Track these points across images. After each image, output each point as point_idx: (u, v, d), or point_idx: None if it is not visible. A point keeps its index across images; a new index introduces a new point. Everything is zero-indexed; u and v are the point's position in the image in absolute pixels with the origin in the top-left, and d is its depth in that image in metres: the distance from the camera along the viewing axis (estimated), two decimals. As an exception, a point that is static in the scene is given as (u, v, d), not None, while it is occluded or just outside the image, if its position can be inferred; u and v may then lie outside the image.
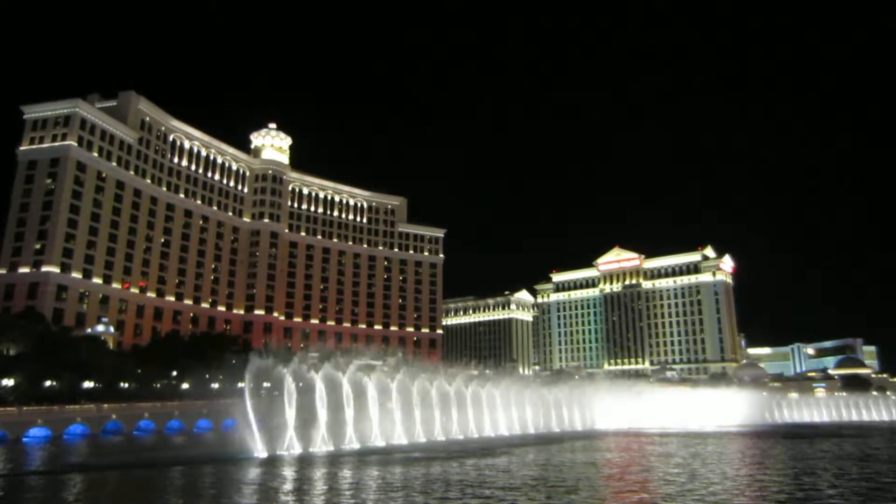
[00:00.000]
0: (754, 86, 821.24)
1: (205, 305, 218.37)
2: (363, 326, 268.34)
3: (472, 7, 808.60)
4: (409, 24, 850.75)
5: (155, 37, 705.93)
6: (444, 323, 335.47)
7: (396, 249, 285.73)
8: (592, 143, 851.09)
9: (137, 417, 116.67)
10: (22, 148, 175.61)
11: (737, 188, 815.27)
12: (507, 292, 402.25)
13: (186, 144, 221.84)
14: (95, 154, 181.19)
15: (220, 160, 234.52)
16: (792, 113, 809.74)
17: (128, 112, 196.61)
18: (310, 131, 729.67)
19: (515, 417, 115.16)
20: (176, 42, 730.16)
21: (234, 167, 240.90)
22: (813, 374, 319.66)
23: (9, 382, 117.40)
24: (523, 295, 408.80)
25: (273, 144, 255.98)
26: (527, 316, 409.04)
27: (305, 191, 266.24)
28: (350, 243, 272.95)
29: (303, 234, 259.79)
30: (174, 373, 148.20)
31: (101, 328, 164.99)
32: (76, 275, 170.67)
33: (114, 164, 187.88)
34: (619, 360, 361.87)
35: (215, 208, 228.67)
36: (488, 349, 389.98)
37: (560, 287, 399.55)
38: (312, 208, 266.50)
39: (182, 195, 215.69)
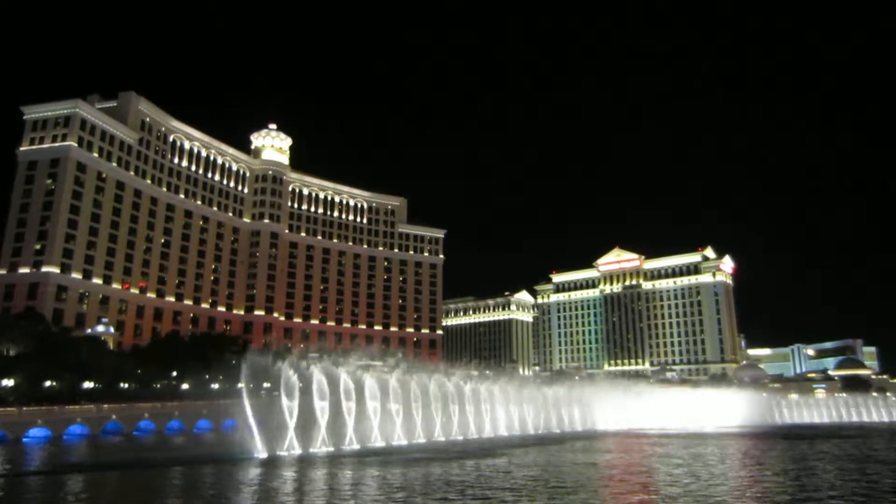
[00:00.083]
0: (754, 86, 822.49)
1: (205, 306, 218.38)
2: (363, 327, 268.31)
3: (472, 7, 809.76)
4: (409, 24, 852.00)
5: (155, 37, 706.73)
6: (444, 323, 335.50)
7: (396, 250, 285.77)
8: (592, 143, 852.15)
9: (137, 418, 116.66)
10: (22, 148, 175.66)
11: (737, 188, 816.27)
12: (507, 293, 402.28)
13: (187, 145, 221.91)
14: (95, 154, 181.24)
15: (220, 161, 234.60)
16: (792, 113, 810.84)
17: (128, 112, 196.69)
18: (310, 131, 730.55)
19: (515, 418, 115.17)
20: (176, 42, 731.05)
21: (235, 168, 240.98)
22: (813, 374, 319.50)
23: (9, 383, 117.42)
24: (523, 295, 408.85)
25: (273, 145, 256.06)
26: (527, 316, 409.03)
27: (305, 191, 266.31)
28: (350, 244, 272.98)
29: (303, 234, 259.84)
30: (174, 373, 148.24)
31: (101, 328, 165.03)
32: (76, 275, 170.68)
33: (114, 164, 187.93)
34: (619, 361, 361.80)
35: (215, 209, 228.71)
36: (488, 350, 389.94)
37: (560, 288, 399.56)
38: (312, 209, 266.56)
39: (182, 196, 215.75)
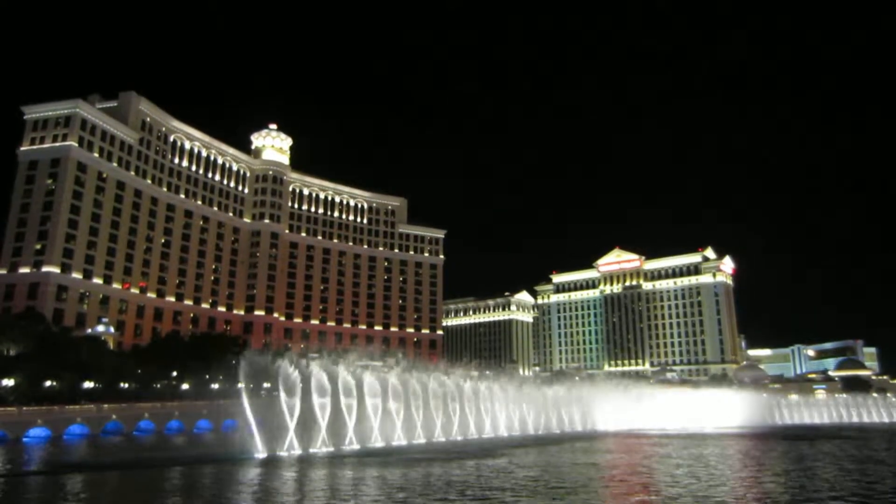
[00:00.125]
0: (754, 86, 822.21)
1: (205, 306, 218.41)
2: (363, 327, 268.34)
3: (472, 7, 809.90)
4: (409, 24, 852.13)
5: (155, 37, 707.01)
6: (444, 324, 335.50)
7: (396, 250, 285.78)
8: (592, 143, 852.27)
9: (137, 418, 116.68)
10: (22, 148, 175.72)
11: (737, 188, 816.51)
12: (507, 293, 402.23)
13: (187, 145, 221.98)
14: (96, 154, 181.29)
15: (220, 161, 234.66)
16: (792, 113, 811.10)
17: (128, 112, 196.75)
18: (310, 132, 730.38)
19: (515, 418, 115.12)
20: (176, 42, 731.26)
21: (235, 168, 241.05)
22: (813, 375, 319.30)
23: (9, 382, 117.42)
24: (523, 296, 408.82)
25: (273, 145, 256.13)
26: (527, 317, 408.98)
27: (306, 191, 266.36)
28: (350, 244, 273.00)
29: (303, 234, 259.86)
30: (174, 373, 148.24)
31: (101, 328, 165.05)
32: (76, 275, 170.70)
33: (114, 164, 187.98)
34: (619, 362, 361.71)
35: (216, 209, 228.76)
36: (488, 350, 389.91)
37: (560, 288, 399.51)
38: (313, 209, 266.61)
39: (182, 196, 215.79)
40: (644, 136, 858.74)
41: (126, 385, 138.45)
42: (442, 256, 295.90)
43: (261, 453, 70.49)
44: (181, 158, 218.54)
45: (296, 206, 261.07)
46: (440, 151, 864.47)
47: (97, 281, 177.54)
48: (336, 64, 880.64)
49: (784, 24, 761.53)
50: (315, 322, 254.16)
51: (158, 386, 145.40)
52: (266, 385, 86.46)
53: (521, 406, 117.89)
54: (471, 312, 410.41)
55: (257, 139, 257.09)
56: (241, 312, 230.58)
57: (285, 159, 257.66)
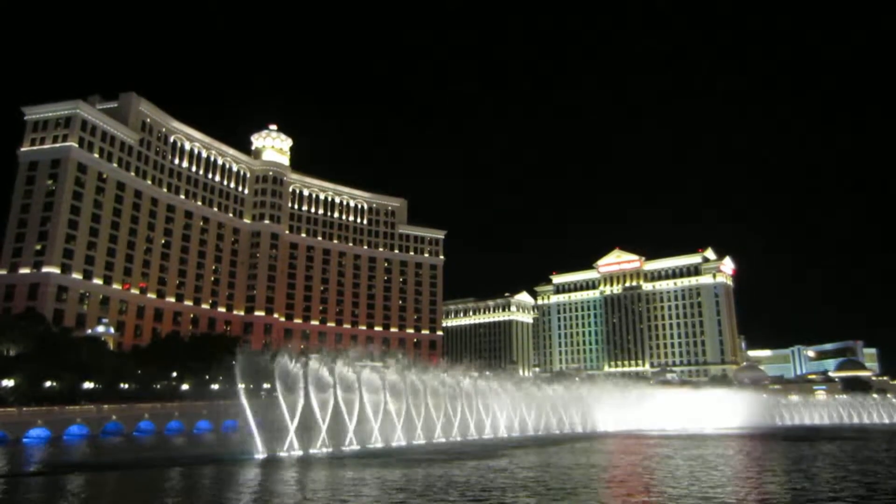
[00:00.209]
0: (754, 86, 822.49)
1: (205, 306, 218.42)
2: (363, 328, 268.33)
3: (472, 7, 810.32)
4: (409, 24, 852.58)
5: (155, 38, 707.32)
6: (444, 324, 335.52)
7: (397, 251, 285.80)
8: (592, 143, 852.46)
9: (137, 418, 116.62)
10: (23, 149, 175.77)
11: (737, 188, 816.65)
12: (507, 294, 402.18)
13: (187, 146, 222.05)
14: (96, 155, 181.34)
15: (220, 161, 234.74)
16: (792, 113, 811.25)
17: (128, 113, 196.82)
18: (310, 132, 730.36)
19: (515, 419, 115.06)
20: (176, 42, 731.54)
21: (235, 168, 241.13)
22: (813, 376, 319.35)
23: (9, 383, 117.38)
24: (523, 297, 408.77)
25: (273, 146, 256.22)
26: (527, 318, 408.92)
27: (306, 192, 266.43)
28: (350, 245, 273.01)
29: (303, 235, 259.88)
30: (174, 374, 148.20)
31: (101, 329, 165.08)
32: (77, 276, 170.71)
33: (114, 165, 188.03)
34: (619, 362, 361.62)
35: (216, 209, 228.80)
36: (488, 351, 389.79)
37: (560, 289, 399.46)
38: (313, 210, 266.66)
39: (183, 196, 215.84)
40: (644, 136, 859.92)
41: (126, 385, 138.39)
42: (442, 257, 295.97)
43: (261, 454, 70.46)
44: (181, 159, 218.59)
45: (296, 206, 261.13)
46: (440, 151, 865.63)
47: (97, 281, 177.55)
48: (336, 64, 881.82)
49: (784, 24, 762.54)
50: (315, 323, 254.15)
51: (158, 386, 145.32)
52: (266, 385, 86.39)
53: (520, 406, 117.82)
54: (471, 313, 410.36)
55: (257, 140, 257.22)
56: (241, 313, 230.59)
57: (285, 160, 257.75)
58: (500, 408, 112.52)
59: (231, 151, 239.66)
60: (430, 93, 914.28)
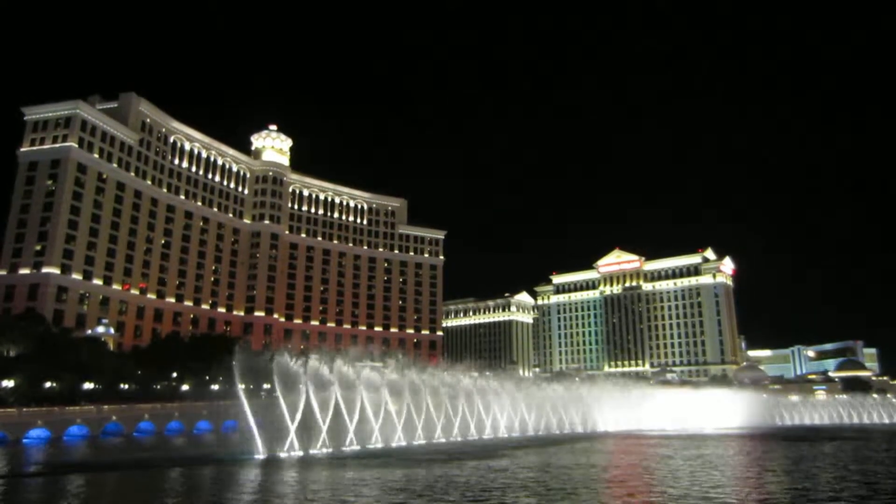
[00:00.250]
0: (754, 86, 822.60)
1: (205, 307, 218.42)
2: (363, 328, 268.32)
3: (472, 7, 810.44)
4: (409, 24, 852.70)
5: (155, 38, 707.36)
6: (444, 325, 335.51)
7: (396, 251, 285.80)
8: (592, 143, 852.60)
9: (137, 419, 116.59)
10: (23, 149, 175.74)
11: (737, 188, 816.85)
12: (507, 294, 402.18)
13: (187, 146, 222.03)
14: (96, 155, 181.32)
15: (220, 162, 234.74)
16: (792, 113, 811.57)
17: (128, 113, 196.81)
18: (310, 132, 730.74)
19: (516, 419, 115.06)
20: (176, 42, 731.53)
21: (235, 169, 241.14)
22: (813, 376, 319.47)
23: (9, 383, 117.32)
24: (523, 297, 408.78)
25: (273, 146, 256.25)
26: (527, 318, 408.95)
27: (306, 192, 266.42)
28: (350, 245, 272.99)
29: (303, 235, 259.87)
30: (174, 374, 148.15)
31: (101, 329, 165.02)
32: (76, 276, 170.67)
33: (114, 165, 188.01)
34: (619, 363, 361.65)
35: (216, 210, 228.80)
36: (488, 351, 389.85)
37: (560, 289, 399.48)
38: (313, 210, 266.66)
39: (182, 197, 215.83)
40: (644, 136, 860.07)
41: (126, 386, 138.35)
42: (442, 257, 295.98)
43: (261, 454, 70.45)
44: (181, 159, 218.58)
45: (296, 206, 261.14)
46: (440, 151, 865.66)
47: (97, 282, 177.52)
48: (336, 64, 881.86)
49: (784, 24, 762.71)
50: (315, 323, 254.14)
51: (158, 387, 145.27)
52: (266, 386, 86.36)
53: (521, 407, 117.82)
54: (471, 313, 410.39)
55: (257, 140, 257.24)
56: (241, 313, 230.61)
57: (285, 160, 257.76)
58: (500, 408, 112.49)
59: (231, 152, 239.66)
60: (430, 93, 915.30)
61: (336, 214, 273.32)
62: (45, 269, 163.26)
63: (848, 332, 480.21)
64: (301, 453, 73.15)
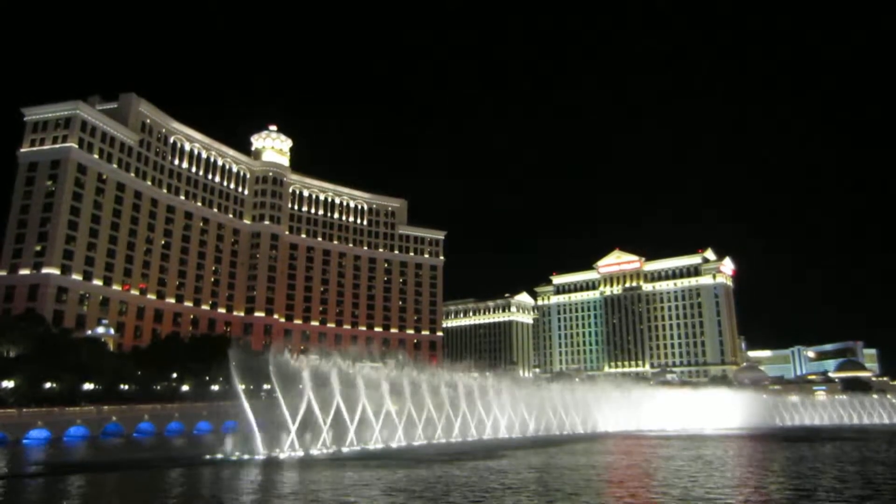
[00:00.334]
0: (754, 86, 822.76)
1: (205, 307, 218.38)
2: (363, 328, 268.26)
3: (472, 7, 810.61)
4: (409, 24, 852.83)
5: (155, 38, 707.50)
6: (444, 325, 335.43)
7: (396, 251, 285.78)
8: (592, 143, 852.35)
9: (137, 419, 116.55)
10: (22, 150, 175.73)
11: (737, 188, 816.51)
12: (507, 294, 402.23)
13: (187, 146, 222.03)
14: (96, 156, 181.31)
15: (220, 162, 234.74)
16: (792, 113, 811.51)
17: (128, 114, 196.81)
18: (310, 132, 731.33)
19: (516, 420, 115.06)
20: (176, 43, 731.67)
21: (235, 169, 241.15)
22: (813, 376, 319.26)
23: (9, 384, 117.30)
24: (523, 297, 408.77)
25: (273, 147, 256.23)
26: (527, 318, 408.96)
27: (306, 193, 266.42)
28: (350, 245, 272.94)
29: (303, 236, 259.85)
30: (174, 375, 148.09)
31: (101, 330, 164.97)
32: (76, 277, 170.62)
33: (114, 165, 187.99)
34: (619, 363, 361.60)
35: (216, 210, 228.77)
36: (488, 352, 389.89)
37: (560, 289, 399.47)
38: (313, 210, 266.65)
39: (182, 197, 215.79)
40: (644, 136, 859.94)
41: (126, 387, 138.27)
42: (442, 258, 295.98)
43: (261, 455, 70.43)
44: (181, 160, 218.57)
45: (296, 207, 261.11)
46: (440, 151, 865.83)
47: (97, 282, 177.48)
48: (336, 64, 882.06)
49: (784, 24, 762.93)
50: (315, 323, 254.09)
51: (158, 387, 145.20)
52: (266, 386, 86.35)
53: (521, 407, 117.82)
54: (471, 314, 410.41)
55: (257, 140, 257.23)
56: (241, 314, 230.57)
57: (285, 161, 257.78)
58: (500, 409, 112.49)
59: (231, 152, 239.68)
60: (430, 93, 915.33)
61: (336, 215, 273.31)
62: (45, 270, 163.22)
63: (848, 333, 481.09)
64: (301, 453, 73.14)
